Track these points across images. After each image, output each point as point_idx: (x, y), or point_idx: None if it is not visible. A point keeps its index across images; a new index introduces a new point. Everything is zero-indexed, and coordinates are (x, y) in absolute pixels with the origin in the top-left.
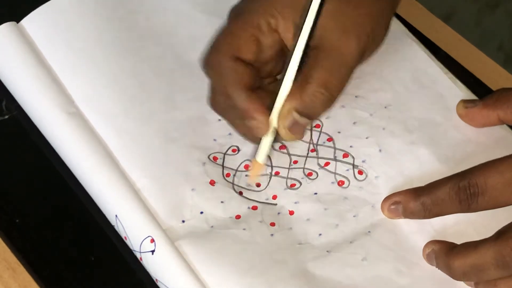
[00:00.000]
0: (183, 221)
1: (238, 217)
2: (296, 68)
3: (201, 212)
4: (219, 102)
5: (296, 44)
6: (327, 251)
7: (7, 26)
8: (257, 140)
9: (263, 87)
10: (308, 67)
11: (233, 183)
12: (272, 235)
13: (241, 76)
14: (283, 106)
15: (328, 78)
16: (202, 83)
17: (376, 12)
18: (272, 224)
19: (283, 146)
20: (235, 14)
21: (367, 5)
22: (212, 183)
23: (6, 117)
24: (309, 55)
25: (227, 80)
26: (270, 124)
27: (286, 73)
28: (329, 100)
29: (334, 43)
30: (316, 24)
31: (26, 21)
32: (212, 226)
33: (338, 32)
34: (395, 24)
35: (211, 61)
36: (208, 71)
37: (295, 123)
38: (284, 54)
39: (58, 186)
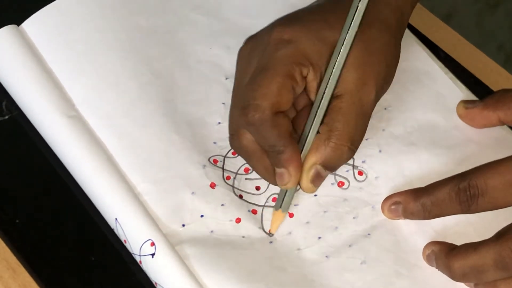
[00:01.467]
0: (183, 225)
1: (238, 220)
2: (320, 121)
3: (202, 216)
4: (243, 143)
5: (322, 97)
6: (326, 257)
7: (8, 29)
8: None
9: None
10: (332, 120)
11: (233, 186)
12: (271, 242)
13: (283, 127)
14: (308, 159)
15: (353, 132)
16: (202, 87)
17: (390, 54)
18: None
19: None
20: (266, 62)
21: (383, 49)
22: (213, 186)
23: (6, 117)
24: (331, 106)
25: (270, 134)
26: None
27: (312, 127)
28: (353, 152)
29: (355, 93)
30: (340, 75)
31: (26, 24)
32: (212, 231)
33: (359, 83)
34: None
35: (253, 120)
36: (247, 128)
37: (318, 175)
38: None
39: (58, 186)
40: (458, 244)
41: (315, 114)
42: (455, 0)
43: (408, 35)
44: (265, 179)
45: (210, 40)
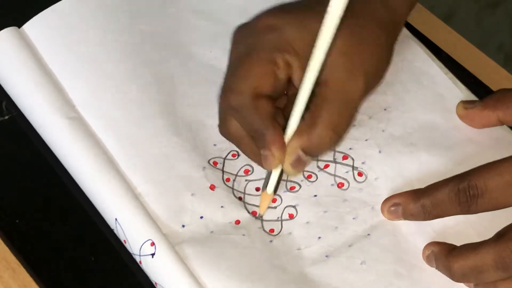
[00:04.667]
0: (183, 226)
1: (237, 222)
2: (303, 107)
3: (201, 217)
4: (231, 130)
5: (304, 83)
6: (326, 256)
7: (9, 31)
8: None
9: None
10: (316, 106)
11: (233, 188)
12: (271, 241)
13: (264, 110)
14: (291, 143)
15: (337, 120)
16: (202, 89)
17: (381, 48)
18: (271, 231)
19: None
20: (250, 48)
21: (373, 41)
22: (212, 187)
23: (6, 117)
24: (317, 92)
25: (251, 118)
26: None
27: (294, 112)
28: (336, 141)
29: (342, 82)
30: (324, 62)
31: (27, 26)
32: (212, 231)
33: (346, 70)
34: None
35: (233, 103)
36: (229, 112)
37: (299, 160)
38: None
39: (58, 187)
40: (458, 245)
41: (299, 100)
42: (455, 0)
43: (408, 35)
44: (257, 163)
45: (210, 43)
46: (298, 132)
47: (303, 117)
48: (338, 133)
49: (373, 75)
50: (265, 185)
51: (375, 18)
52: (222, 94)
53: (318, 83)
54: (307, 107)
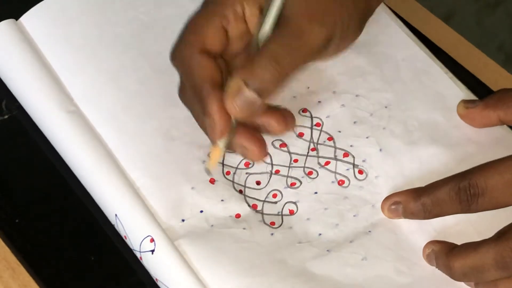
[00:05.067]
0: (183, 220)
1: (238, 216)
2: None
3: (201, 211)
4: (186, 95)
5: (263, 22)
6: (327, 250)
7: (6, 23)
8: (213, 140)
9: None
10: (267, 41)
11: (233, 181)
12: (272, 234)
13: (209, 71)
14: (233, 79)
15: (282, 53)
16: None
17: (351, 3)
18: (272, 224)
19: (284, 144)
20: (203, 4)
21: (340, 5)
22: (212, 181)
23: (6, 116)
24: (272, 33)
25: (194, 74)
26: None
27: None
28: (279, 75)
29: (299, 26)
30: (278, 12)
31: (25, 18)
32: (212, 225)
33: (305, 16)
34: (395, 24)
35: (179, 54)
36: (175, 64)
37: (245, 100)
38: None
39: (58, 186)
40: (459, 243)
41: (254, 41)
42: (455, 0)
43: (408, 35)
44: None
45: None
46: (241, 66)
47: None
48: (282, 66)
49: (336, 27)
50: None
51: None
52: (171, 51)
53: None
54: None
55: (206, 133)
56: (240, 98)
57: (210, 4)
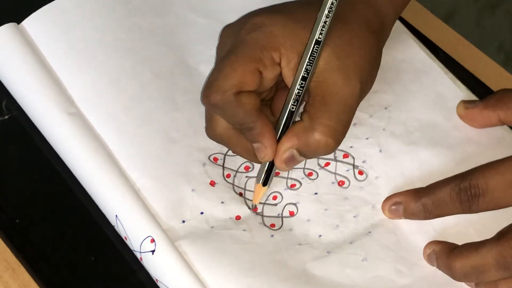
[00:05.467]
0: (183, 221)
1: (238, 217)
2: (296, 105)
3: (201, 213)
4: (220, 131)
5: (295, 81)
6: (327, 252)
7: (8, 27)
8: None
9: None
10: (314, 109)
11: (233, 184)
12: (272, 236)
13: (249, 104)
14: (285, 142)
15: (335, 126)
16: (202, 86)
17: (371, 52)
18: (272, 225)
19: None
20: (237, 45)
21: (364, 45)
22: (213, 183)
23: (6, 117)
24: (313, 93)
25: (239, 114)
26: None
27: (288, 110)
28: (333, 148)
29: (339, 84)
30: (316, 62)
31: (27, 23)
32: (212, 227)
33: (341, 73)
34: (395, 24)
35: (214, 99)
36: (210, 106)
37: (292, 158)
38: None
39: (58, 186)
40: (459, 244)
41: (292, 98)
42: (455, 0)
43: (408, 35)
44: (248, 159)
45: (210, 41)
46: (295, 132)
47: (300, 117)
48: (335, 139)
49: (366, 79)
50: (259, 178)
51: (365, 23)
52: (204, 93)
53: (314, 83)
54: (299, 103)
55: (252, 159)
56: (291, 164)
57: (246, 47)
